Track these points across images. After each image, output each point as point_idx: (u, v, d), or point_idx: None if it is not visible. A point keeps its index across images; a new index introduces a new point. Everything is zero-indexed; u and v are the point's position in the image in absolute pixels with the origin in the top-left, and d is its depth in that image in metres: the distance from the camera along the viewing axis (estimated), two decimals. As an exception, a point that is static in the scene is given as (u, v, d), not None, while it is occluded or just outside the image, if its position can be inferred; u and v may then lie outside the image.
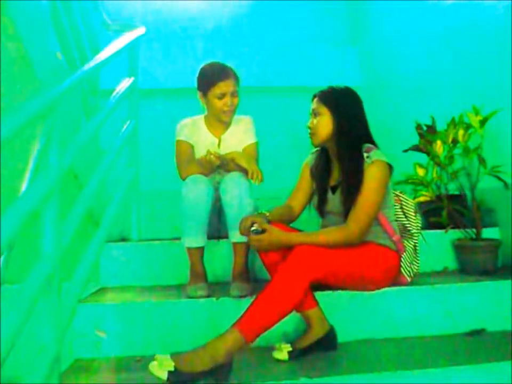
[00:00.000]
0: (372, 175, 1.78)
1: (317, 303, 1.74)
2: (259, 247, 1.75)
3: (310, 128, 1.91)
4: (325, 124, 1.87)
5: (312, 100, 1.94)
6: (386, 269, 1.83)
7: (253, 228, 1.73)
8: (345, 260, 1.71)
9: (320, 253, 1.63)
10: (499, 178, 2.15)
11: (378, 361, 1.62)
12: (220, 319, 1.79)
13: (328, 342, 1.72)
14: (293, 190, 2.06)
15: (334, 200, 1.89)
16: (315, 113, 1.90)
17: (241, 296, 1.82)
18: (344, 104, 1.87)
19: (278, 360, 1.64)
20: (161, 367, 1.42)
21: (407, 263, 1.90)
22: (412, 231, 1.97)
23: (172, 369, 1.42)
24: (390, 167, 1.84)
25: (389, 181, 1.86)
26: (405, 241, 1.94)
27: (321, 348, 1.71)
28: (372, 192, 1.78)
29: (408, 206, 2.00)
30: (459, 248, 2.23)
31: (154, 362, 1.44)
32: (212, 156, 1.95)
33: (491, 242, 2.17)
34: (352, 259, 1.73)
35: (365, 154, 1.81)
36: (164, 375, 1.41)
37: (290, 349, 1.66)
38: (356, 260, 1.74)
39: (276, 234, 1.73)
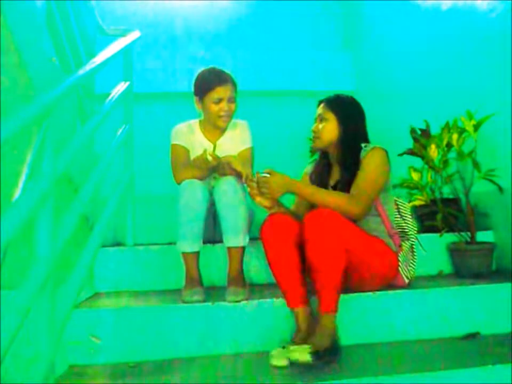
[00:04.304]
0: (370, 159, 1.86)
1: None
2: (266, 189, 1.79)
3: (314, 132, 1.97)
4: (330, 130, 1.93)
5: (318, 105, 2.00)
6: (387, 268, 1.86)
7: (263, 174, 1.79)
8: (362, 239, 1.76)
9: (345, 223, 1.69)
10: (493, 182, 2.16)
11: (374, 365, 1.62)
12: (216, 324, 1.79)
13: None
14: (296, 198, 2.05)
15: None
16: (321, 118, 1.96)
17: (237, 301, 1.81)
18: (350, 112, 1.95)
19: (276, 367, 1.61)
20: (302, 353, 1.52)
21: (404, 263, 1.92)
22: (410, 233, 2.01)
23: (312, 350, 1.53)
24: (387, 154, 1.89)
25: (388, 167, 1.89)
26: (402, 242, 1.97)
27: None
28: (370, 173, 1.84)
29: (405, 209, 2.05)
30: (454, 251, 2.23)
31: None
32: (208, 155, 1.95)
33: (485, 246, 2.19)
34: (367, 242, 1.78)
35: (363, 145, 1.90)
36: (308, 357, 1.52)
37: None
38: (369, 245, 1.79)
39: (282, 176, 1.79)
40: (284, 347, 1.65)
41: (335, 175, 1.98)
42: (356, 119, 1.95)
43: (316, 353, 1.54)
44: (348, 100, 1.98)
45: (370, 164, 1.84)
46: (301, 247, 1.75)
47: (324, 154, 2.02)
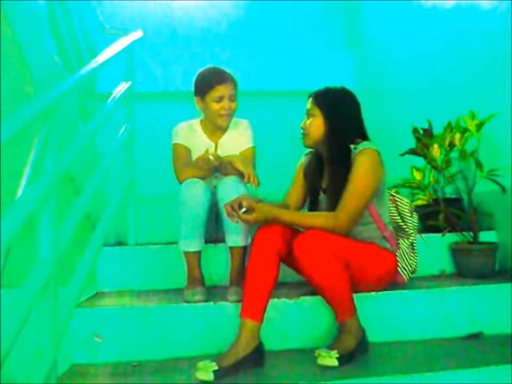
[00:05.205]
0: (359, 164, 1.74)
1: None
2: (248, 224, 1.81)
3: (302, 128, 1.89)
4: (317, 126, 1.84)
5: (308, 99, 1.91)
6: (386, 270, 1.84)
7: (242, 210, 1.74)
8: (355, 251, 1.73)
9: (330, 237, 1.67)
10: (496, 182, 2.15)
11: (376, 365, 1.62)
12: (217, 323, 1.79)
13: (256, 358, 1.63)
14: (289, 188, 2.05)
15: (326, 202, 1.87)
16: (308, 114, 1.88)
17: (238, 301, 1.81)
18: (338, 107, 1.83)
19: (202, 381, 1.50)
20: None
21: (403, 262, 1.90)
22: (409, 232, 1.97)
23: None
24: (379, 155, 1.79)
25: (381, 169, 1.80)
26: (401, 240, 1.94)
27: (248, 364, 1.60)
28: (360, 181, 1.74)
29: (403, 205, 2.00)
30: (456, 251, 2.23)
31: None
32: (210, 155, 1.95)
33: (488, 246, 2.18)
34: (361, 252, 1.75)
35: (352, 146, 1.79)
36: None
37: (216, 367, 1.51)
38: (364, 254, 1.76)
39: (263, 212, 1.73)
40: (211, 360, 1.54)
41: (327, 176, 1.90)
42: (344, 112, 1.82)
43: (342, 357, 1.57)
44: (337, 93, 1.85)
45: (358, 174, 1.73)
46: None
47: (317, 152, 1.94)
